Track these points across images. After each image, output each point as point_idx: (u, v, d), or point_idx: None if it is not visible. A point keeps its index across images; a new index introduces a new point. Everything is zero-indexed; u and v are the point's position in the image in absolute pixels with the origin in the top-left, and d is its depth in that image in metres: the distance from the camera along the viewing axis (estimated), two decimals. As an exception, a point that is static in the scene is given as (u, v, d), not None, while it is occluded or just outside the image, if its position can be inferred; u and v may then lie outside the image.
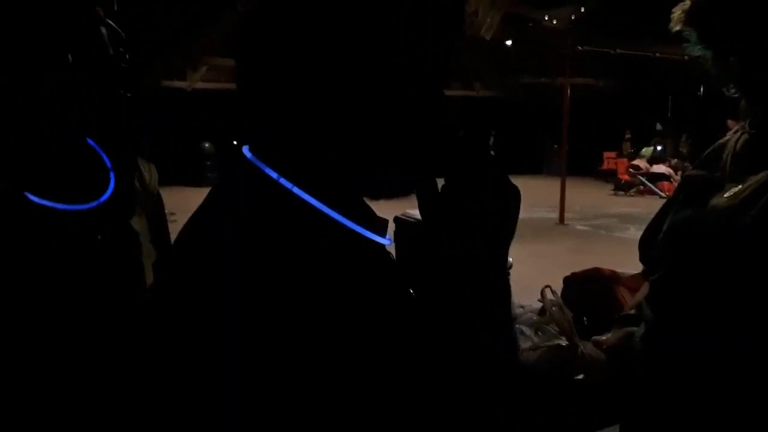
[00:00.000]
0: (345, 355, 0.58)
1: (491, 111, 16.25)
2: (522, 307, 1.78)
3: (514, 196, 0.71)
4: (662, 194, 13.68)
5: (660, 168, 15.85)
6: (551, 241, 9.15)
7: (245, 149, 0.68)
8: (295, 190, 0.64)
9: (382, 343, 0.61)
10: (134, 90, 1.20)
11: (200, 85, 15.22)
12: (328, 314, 0.58)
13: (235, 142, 0.70)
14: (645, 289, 1.44)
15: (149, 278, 1.23)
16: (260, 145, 0.68)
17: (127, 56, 1.16)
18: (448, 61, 0.68)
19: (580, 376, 1.47)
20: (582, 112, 14.14)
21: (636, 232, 1.53)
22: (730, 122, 1.82)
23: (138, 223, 1.27)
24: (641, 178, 15.67)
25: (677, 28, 1.27)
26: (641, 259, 1.49)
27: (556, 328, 1.54)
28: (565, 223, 11.00)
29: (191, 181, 12.63)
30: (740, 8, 1.18)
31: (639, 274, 1.58)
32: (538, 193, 11.58)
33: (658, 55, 12.66)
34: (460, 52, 0.69)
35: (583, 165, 16.58)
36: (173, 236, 0.71)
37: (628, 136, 17.74)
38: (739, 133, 1.31)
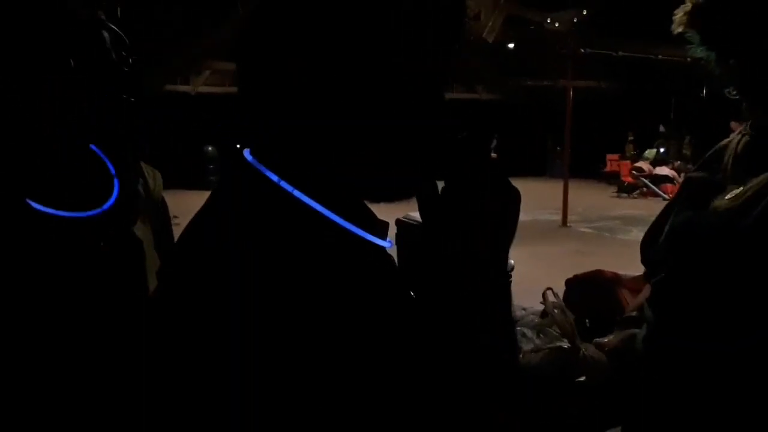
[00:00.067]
0: (345, 357, 0.58)
1: (494, 114, 16.24)
2: (524, 309, 1.78)
3: (514, 197, 0.71)
4: (665, 196, 13.61)
5: (663, 170, 15.78)
6: (554, 243, 9.14)
7: (246, 152, 0.68)
8: (296, 193, 0.64)
9: (382, 345, 0.61)
10: (136, 93, 1.20)
11: (204, 88, 15.21)
12: (328, 316, 0.58)
13: (235, 144, 0.70)
14: (647, 291, 1.44)
15: (153, 286, 1.22)
16: (260, 145, 0.68)
17: (130, 60, 1.16)
18: (448, 61, 0.68)
19: (582, 378, 1.48)
20: (585, 115, 14.11)
21: (639, 235, 1.52)
22: (733, 124, 1.82)
23: (142, 231, 1.26)
24: (644, 180, 15.62)
25: (679, 29, 1.28)
26: (643, 261, 1.49)
27: (558, 330, 1.54)
28: (568, 225, 10.98)
29: (194, 184, 12.63)
30: (739, 10, 1.18)
31: (641, 276, 1.58)
32: (540, 195, 11.58)
33: (660, 56, 12.64)
34: (460, 52, 0.69)
35: (585, 167, 16.56)
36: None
37: (630, 138, 17.70)
38: (740, 135, 1.31)
